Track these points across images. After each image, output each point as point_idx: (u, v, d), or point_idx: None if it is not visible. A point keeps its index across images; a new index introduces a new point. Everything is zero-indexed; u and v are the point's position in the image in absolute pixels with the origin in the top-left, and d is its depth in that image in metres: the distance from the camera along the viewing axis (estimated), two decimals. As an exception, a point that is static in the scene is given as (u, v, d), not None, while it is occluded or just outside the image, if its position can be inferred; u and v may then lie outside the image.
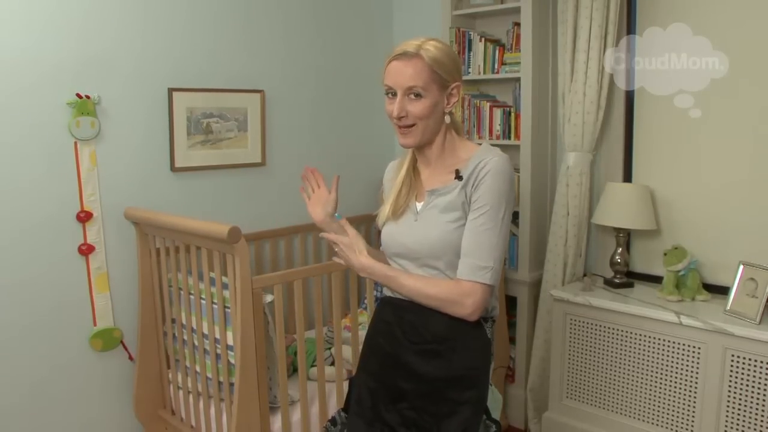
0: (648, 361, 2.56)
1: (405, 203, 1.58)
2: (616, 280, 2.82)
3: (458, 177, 1.50)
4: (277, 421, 2.30)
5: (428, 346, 1.51)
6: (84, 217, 2.51)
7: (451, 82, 1.49)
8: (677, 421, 2.50)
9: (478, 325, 1.51)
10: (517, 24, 3.03)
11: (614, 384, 2.67)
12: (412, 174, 1.61)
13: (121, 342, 2.65)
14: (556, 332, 2.83)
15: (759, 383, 2.28)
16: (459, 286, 1.44)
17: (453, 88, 1.50)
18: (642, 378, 2.58)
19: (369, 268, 1.53)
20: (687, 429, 2.48)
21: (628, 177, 2.90)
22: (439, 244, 1.48)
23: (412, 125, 1.49)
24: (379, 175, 3.67)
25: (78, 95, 2.45)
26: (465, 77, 3.24)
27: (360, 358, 1.70)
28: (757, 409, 2.29)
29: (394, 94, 1.48)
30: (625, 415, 2.65)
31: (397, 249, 1.58)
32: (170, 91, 2.70)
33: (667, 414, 2.53)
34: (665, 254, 2.68)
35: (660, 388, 2.54)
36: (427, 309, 1.50)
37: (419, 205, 1.56)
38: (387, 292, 1.64)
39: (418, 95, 1.46)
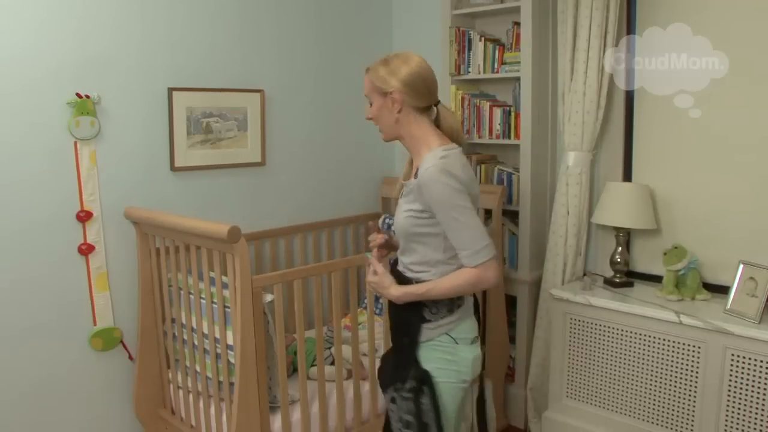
0: (648, 360, 2.56)
1: (399, 188, 1.87)
2: (616, 280, 2.82)
3: (416, 175, 1.76)
4: (277, 421, 2.30)
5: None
6: (84, 216, 2.51)
7: (389, 89, 1.77)
8: (677, 421, 2.50)
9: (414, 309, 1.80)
10: (517, 23, 3.03)
11: (614, 383, 2.67)
12: (410, 166, 1.88)
13: (121, 341, 2.65)
14: (556, 332, 2.83)
15: (759, 383, 2.28)
16: (473, 272, 1.71)
17: (391, 94, 1.77)
18: (642, 377, 2.58)
19: (402, 296, 1.79)
20: (687, 428, 2.48)
21: (628, 176, 2.90)
22: (399, 228, 1.80)
23: (376, 124, 1.86)
24: (379, 175, 3.69)
25: (78, 95, 2.45)
26: (465, 76, 3.25)
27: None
28: (757, 408, 2.29)
29: None
30: (625, 414, 2.65)
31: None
32: (170, 90, 2.70)
33: (667, 413, 2.53)
34: (665, 254, 2.68)
35: (660, 387, 2.54)
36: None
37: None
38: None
39: (370, 102, 1.83)
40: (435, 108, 1.83)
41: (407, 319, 1.81)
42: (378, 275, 1.83)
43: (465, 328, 1.82)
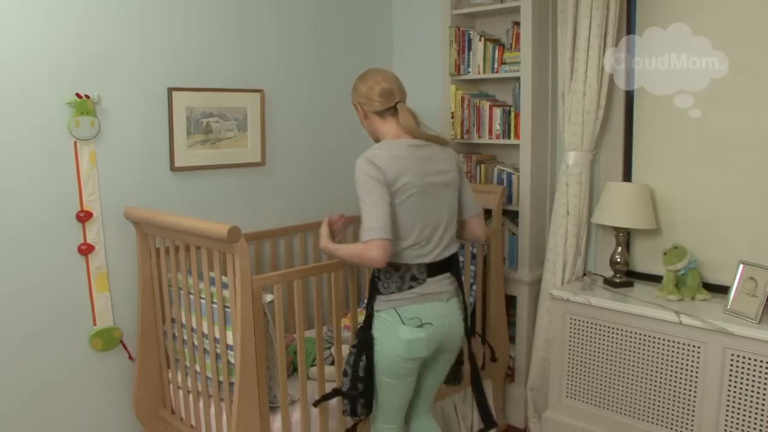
0: (648, 360, 2.56)
1: None
2: (616, 280, 2.82)
3: None
4: (277, 421, 2.30)
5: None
6: (84, 216, 2.51)
7: (354, 102, 2.17)
8: (677, 421, 2.50)
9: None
10: (517, 23, 3.03)
11: (614, 383, 2.67)
12: None
13: (121, 341, 2.65)
14: (556, 332, 2.83)
15: (759, 383, 2.28)
16: (361, 246, 1.93)
17: (355, 105, 2.18)
18: (642, 377, 2.58)
19: (323, 249, 2.15)
20: (687, 428, 2.48)
21: (627, 176, 2.90)
22: None
23: None
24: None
25: (78, 95, 2.45)
26: (465, 76, 3.25)
27: None
28: (756, 408, 2.29)
29: None
30: (625, 414, 2.65)
31: None
32: (170, 90, 2.70)
33: (667, 413, 2.53)
34: (665, 253, 2.68)
35: (660, 387, 2.54)
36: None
37: None
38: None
39: None
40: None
41: (370, 289, 2.10)
42: (322, 227, 2.19)
43: (415, 310, 2.02)
